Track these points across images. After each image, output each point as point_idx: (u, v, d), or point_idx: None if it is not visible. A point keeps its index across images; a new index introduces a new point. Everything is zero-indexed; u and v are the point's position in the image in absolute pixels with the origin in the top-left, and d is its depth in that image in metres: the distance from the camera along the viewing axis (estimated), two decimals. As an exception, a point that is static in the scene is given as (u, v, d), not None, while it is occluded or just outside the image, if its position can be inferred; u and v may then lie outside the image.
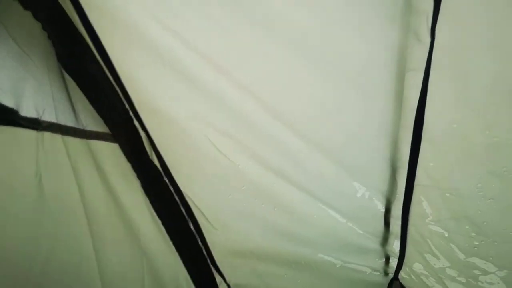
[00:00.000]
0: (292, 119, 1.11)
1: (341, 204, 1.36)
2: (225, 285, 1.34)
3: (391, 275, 1.80)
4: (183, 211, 1.18)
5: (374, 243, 1.56)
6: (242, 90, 1.04)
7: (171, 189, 1.13)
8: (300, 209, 1.34)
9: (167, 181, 1.14)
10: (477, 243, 1.32)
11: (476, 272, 1.40)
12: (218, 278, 1.36)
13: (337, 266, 1.58)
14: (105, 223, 0.99)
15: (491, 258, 1.33)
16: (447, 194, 1.25)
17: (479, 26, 0.96)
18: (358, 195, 1.34)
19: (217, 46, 0.99)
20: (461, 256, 1.39)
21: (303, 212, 1.35)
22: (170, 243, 1.19)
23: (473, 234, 1.31)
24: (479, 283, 1.44)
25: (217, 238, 1.27)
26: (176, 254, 1.21)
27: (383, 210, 1.42)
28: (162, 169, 1.12)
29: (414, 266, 1.61)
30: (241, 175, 1.20)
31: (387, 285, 1.91)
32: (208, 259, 1.28)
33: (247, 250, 1.30)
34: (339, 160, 1.23)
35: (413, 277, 1.68)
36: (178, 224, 1.18)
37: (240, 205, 1.25)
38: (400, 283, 1.84)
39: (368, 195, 1.35)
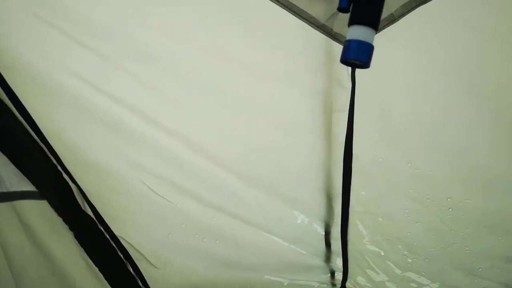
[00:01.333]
0: (223, 158, 1.13)
1: (282, 230, 1.40)
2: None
3: (338, 286, 1.87)
4: (121, 255, 1.17)
5: (318, 261, 1.61)
6: (171, 135, 1.06)
7: (107, 236, 1.13)
8: (243, 238, 1.36)
9: (102, 228, 1.13)
10: (410, 260, 1.39)
11: (413, 285, 1.48)
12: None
13: (285, 284, 1.62)
14: (35, 280, 0.98)
15: (424, 273, 1.40)
16: (379, 219, 1.31)
17: (395, 72, 1.01)
18: (298, 221, 1.38)
19: (144, 98, 1.00)
20: (398, 271, 1.45)
21: (246, 240, 1.37)
22: (110, 289, 1.18)
23: (405, 252, 1.38)
24: (415, 295, 1.52)
25: (160, 276, 1.27)
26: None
27: (323, 233, 1.47)
28: (96, 217, 1.11)
29: (357, 279, 1.67)
30: (179, 214, 1.22)
31: (335, 294, 1.98)
32: None
33: (191, 284, 1.31)
34: (276, 192, 1.26)
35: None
36: (116, 269, 1.17)
37: (181, 242, 1.26)
38: (348, 292, 1.91)
39: (308, 221, 1.39)
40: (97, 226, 1.08)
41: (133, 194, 1.14)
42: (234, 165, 1.17)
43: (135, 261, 1.22)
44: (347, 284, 1.80)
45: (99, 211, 1.10)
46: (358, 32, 0.71)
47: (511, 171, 1.10)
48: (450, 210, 1.19)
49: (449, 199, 1.16)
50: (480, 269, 1.27)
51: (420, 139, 1.10)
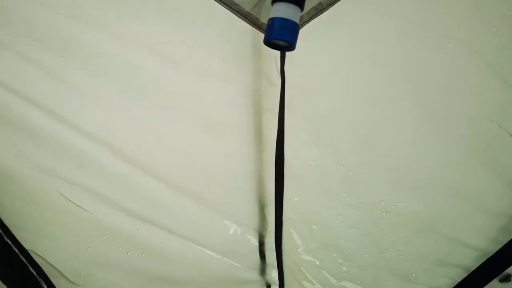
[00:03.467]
0: (148, 163, 1.00)
1: (214, 242, 1.27)
2: None
3: (275, 300, 1.76)
4: (33, 272, 1.00)
5: (253, 274, 1.49)
6: (88, 137, 0.92)
7: (15, 249, 0.95)
8: (172, 251, 1.22)
9: (9, 242, 0.96)
10: (345, 269, 1.31)
11: (348, 294, 1.40)
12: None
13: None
14: None
15: (358, 281, 1.33)
16: (314, 226, 1.23)
17: (326, 72, 0.94)
18: (231, 232, 1.27)
19: (54, 93, 0.86)
20: (333, 281, 1.37)
21: (176, 254, 1.24)
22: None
23: (340, 260, 1.30)
24: (352, 304, 1.44)
25: None
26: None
27: (257, 244, 1.36)
28: (2, 230, 0.94)
29: (294, 292, 1.57)
30: (100, 225, 1.07)
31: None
32: None
33: None
34: (206, 200, 1.14)
35: (295, 300, 1.65)
36: (27, 287, 1.00)
37: (103, 256, 1.10)
38: (285, 306, 1.81)
39: (241, 231, 1.28)
40: (3, 238, 0.90)
41: (46, 203, 0.97)
42: (159, 171, 1.05)
43: (50, 278, 1.04)
44: (284, 297, 1.70)
45: (4, 222, 0.93)
46: (282, 10, 0.63)
47: (439, 172, 1.06)
48: (383, 213, 1.13)
49: (382, 202, 1.10)
50: (414, 274, 1.21)
51: (351, 140, 1.04)
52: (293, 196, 1.17)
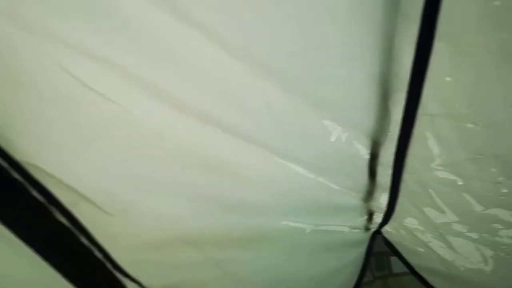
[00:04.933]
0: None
1: (307, 154, 0.85)
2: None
3: (373, 230, 1.36)
4: (41, 198, 0.62)
5: (354, 199, 1.08)
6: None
7: (4, 165, 0.56)
8: (248, 168, 0.81)
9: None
10: (505, 191, 0.85)
11: (496, 226, 0.95)
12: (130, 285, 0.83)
13: (307, 231, 1.10)
14: None
15: (519, 209, 0.86)
16: (469, 125, 0.75)
17: None
18: (332, 139, 0.83)
19: None
20: (478, 208, 0.92)
21: (253, 172, 0.82)
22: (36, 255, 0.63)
23: (501, 179, 0.83)
24: (497, 238, 0.99)
25: (118, 228, 0.72)
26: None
27: (368, 157, 0.92)
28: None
29: (406, 221, 1.14)
30: (140, 127, 0.64)
31: (368, 241, 1.47)
32: (107, 263, 0.74)
33: (170, 237, 0.77)
34: (298, 87, 0.69)
35: (402, 232, 1.23)
36: (37, 221, 0.62)
37: (147, 174, 0.69)
38: (384, 237, 1.40)
39: (346, 138, 0.83)
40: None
41: (43, 91, 0.54)
42: (229, 39, 0.59)
43: (66, 206, 0.65)
44: (387, 228, 1.28)
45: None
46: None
47: None
48: None
49: None
50: None
51: None
52: (445, 73, 0.68)
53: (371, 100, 0.77)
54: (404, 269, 1.48)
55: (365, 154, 0.91)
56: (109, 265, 0.76)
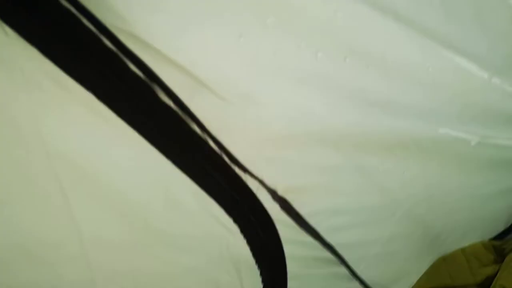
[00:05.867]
0: None
1: (480, 45, 0.69)
2: (265, 191, 0.76)
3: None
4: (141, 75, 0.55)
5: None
6: None
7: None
8: (401, 59, 0.69)
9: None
10: None
11: None
12: (252, 183, 0.75)
13: (472, 144, 0.96)
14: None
15: None
16: None
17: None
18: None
19: None
20: None
21: (408, 62, 0.70)
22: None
23: None
24: None
25: (237, 118, 0.65)
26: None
27: None
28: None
29: None
30: None
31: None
32: (223, 155, 0.66)
33: (301, 133, 0.71)
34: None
35: None
36: (139, 101, 0.56)
37: (269, 54, 0.59)
38: None
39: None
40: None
41: None
42: None
43: (172, 90, 0.60)
44: None
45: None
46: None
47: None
48: None
49: None
50: None
51: None
52: None
53: None
54: None
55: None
56: (226, 158, 0.68)
